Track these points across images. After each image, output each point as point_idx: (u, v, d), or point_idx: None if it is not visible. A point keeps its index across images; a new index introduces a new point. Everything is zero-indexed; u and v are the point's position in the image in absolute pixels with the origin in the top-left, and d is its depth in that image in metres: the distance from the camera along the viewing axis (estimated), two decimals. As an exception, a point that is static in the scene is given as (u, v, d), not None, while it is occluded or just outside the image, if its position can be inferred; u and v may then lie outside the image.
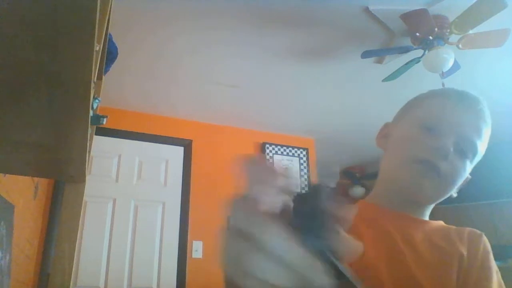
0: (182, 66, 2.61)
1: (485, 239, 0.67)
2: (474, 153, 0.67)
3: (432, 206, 0.72)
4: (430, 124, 0.67)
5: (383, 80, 2.57)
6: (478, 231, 0.68)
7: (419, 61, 2.27)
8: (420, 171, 0.64)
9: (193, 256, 3.00)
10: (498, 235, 3.72)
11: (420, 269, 0.60)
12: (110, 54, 1.41)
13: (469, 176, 0.70)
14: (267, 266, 0.27)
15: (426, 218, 0.72)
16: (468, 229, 0.69)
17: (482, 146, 0.68)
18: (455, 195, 0.71)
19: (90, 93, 0.50)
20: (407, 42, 2.24)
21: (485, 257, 0.64)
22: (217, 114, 3.34)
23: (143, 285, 2.82)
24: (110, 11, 0.91)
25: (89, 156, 0.82)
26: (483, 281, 0.60)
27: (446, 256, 0.63)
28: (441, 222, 0.72)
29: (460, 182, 0.68)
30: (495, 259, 0.65)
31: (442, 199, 0.69)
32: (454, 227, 0.71)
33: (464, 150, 0.66)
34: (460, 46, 2.12)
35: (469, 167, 0.68)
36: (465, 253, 0.63)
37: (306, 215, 0.31)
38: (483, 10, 1.89)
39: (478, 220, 3.86)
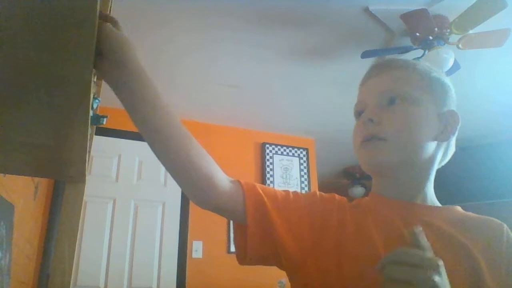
0: (182, 66, 2.61)
1: (507, 229, 0.62)
2: (399, 96, 0.64)
3: (426, 185, 0.66)
4: (356, 109, 0.71)
5: (383, 80, 2.56)
6: (498, 221, 0.63)
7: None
8: (363, 149, 0.66)
9: (193, 256, 3.00)
10: (498, 235, 3.71)
11: None
12: (110, 54, 1.40)
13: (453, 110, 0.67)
14: None
15: (429, 202, 0.66)
16: (486, 218, 0.63)
17: (405, 85, 0.65)
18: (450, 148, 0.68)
19: (90, 93, 0.50)
20: (407, 42, 2.24)
21: (511, 249, 0.59)
22: (217, 114, 3.34)
23: (143, 285, 2.82)
24: (110, 11, 0.91)
25: (89, 156, 0.82)
26: None
27: (454, 245, 0.57)
28: (455, 208, 0.66)
29: (417, 126, 0.63)
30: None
31: (413, 155, 0.63)
32: (471, 214, 0.65)
33: (389, 100, 0.65)
34: (460, 46, 2.12)
35: (412, 106, 0.64)
36: (481, 245, 0.57)
37: None
38: (483, 10, 1.89)
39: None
